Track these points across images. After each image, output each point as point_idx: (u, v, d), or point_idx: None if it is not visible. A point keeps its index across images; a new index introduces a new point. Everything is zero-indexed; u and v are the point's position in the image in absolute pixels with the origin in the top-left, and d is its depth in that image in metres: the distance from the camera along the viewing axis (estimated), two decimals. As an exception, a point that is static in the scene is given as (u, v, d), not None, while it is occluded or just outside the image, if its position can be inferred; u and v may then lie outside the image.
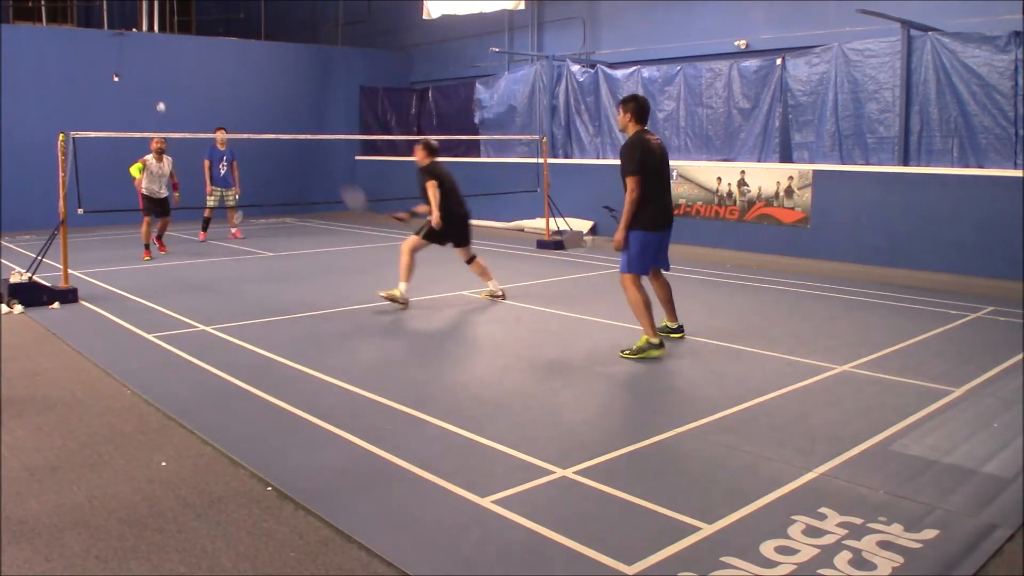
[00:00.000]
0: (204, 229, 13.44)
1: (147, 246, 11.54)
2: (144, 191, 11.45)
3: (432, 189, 7.95)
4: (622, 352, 6.21)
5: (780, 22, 13.35)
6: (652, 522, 3.50)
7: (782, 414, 4.94)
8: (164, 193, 11.62)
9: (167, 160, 11.54)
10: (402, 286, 7.99)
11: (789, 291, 9.13)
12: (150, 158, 11.40)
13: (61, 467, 4.13)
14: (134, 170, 11.36)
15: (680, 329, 6.72)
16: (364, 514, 3.60)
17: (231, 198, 13.39)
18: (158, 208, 11.60)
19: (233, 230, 13.76)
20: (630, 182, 6.07)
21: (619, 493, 3.77)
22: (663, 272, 6.61)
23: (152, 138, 11.40)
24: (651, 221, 6.20)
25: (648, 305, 6.21)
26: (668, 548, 3.25)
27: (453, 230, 8.22)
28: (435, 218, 7.96)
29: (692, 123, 13.81)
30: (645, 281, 6.44)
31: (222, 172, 13.18)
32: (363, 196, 10.01)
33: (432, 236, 8.13)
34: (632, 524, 3.49)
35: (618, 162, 6.33)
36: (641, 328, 6.23)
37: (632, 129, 6.30)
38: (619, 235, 6.19)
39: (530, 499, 3.72)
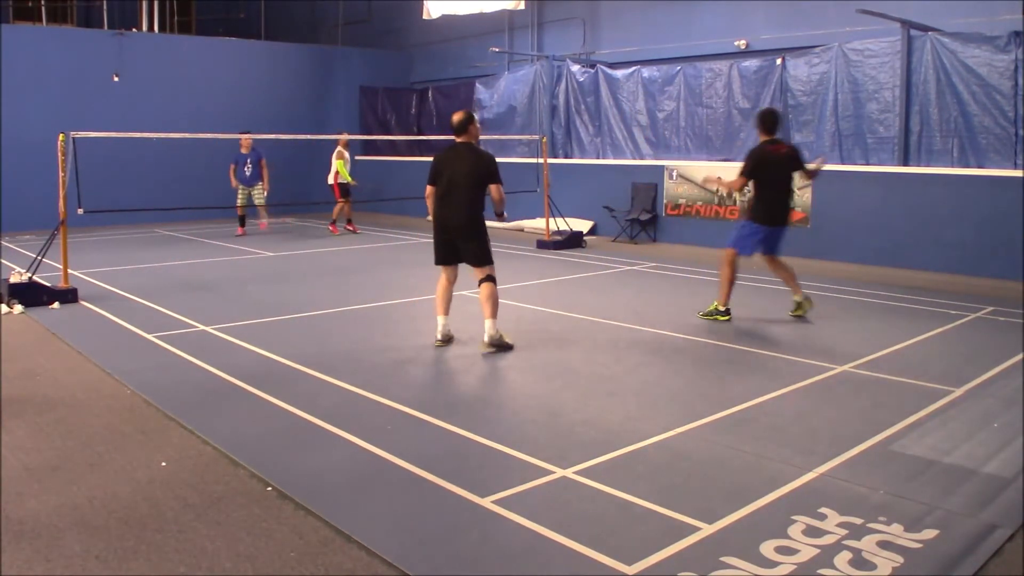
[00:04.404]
0: (241, 224, 14.50)
1: (335, 221, 14.81)
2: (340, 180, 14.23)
3: None
4: (699, 313, 7.57)
5: (780, 22, 13.34)
6: (652, 522, 3.50)
7: (782, 414, 4.94)
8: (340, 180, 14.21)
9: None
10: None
11: (789, 291, 9.10)
12: (343, 150, 14.17)
13: (61, 467, 4.12)
14: (340, 166, 14.03)
15: (808, 298, 7.68)
16: (364, 514, 3.60)
17: (259, 195, 14.22)
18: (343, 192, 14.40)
19: (261, 223, 14.83)
20: (738, 180, 7.43)
21: (619, 493, 3.77)
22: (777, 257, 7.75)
23: (341, 137, 14.30)
24: (762, 216, 7.43)
25: (732, 283, 7.45)
26: (668, 548, 3.25)
27: None
28: None
29: (692, 123, 13.80)
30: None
31: (247, 173, 14.08)
32: None
33: None
34: (632, 524, 3.49)
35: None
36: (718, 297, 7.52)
37: (762, 139, 7.47)
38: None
39: (530, 499, 3.72)
